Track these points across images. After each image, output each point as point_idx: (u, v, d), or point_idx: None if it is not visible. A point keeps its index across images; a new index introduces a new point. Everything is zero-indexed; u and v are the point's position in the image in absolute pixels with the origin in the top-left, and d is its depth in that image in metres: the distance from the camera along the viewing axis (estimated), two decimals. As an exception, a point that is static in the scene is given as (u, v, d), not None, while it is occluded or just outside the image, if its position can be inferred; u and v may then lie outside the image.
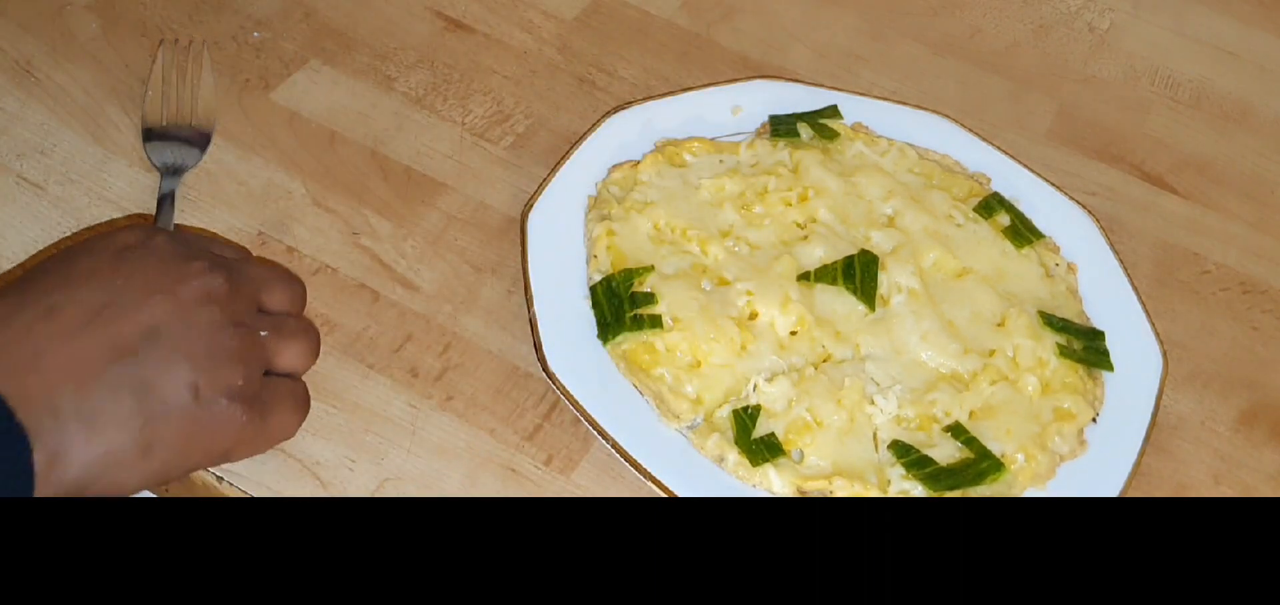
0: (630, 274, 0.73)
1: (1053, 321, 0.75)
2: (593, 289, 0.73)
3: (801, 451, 0.68)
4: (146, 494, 0.60)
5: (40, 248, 0.72)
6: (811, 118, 0.83)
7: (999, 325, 0.75)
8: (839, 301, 0.74)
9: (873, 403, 0.70)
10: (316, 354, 0.66)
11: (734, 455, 0.67)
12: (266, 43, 0.86)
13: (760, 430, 0.68)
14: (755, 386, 0.70)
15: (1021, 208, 0.81)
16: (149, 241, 0.62)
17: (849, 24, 0.97)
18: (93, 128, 0.79)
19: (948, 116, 0.87)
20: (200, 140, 0.79)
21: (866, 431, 0.69)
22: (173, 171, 0.76)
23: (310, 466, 0.66)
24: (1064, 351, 0.74)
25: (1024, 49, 0.99)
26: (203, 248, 0.64)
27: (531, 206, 0.76)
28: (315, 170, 0.79)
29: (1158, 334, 0.76)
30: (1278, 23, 1.04)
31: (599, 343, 0.71)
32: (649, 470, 0.66)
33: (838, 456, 0.68)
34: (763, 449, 0.67)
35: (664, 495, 0.65)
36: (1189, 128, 0.94)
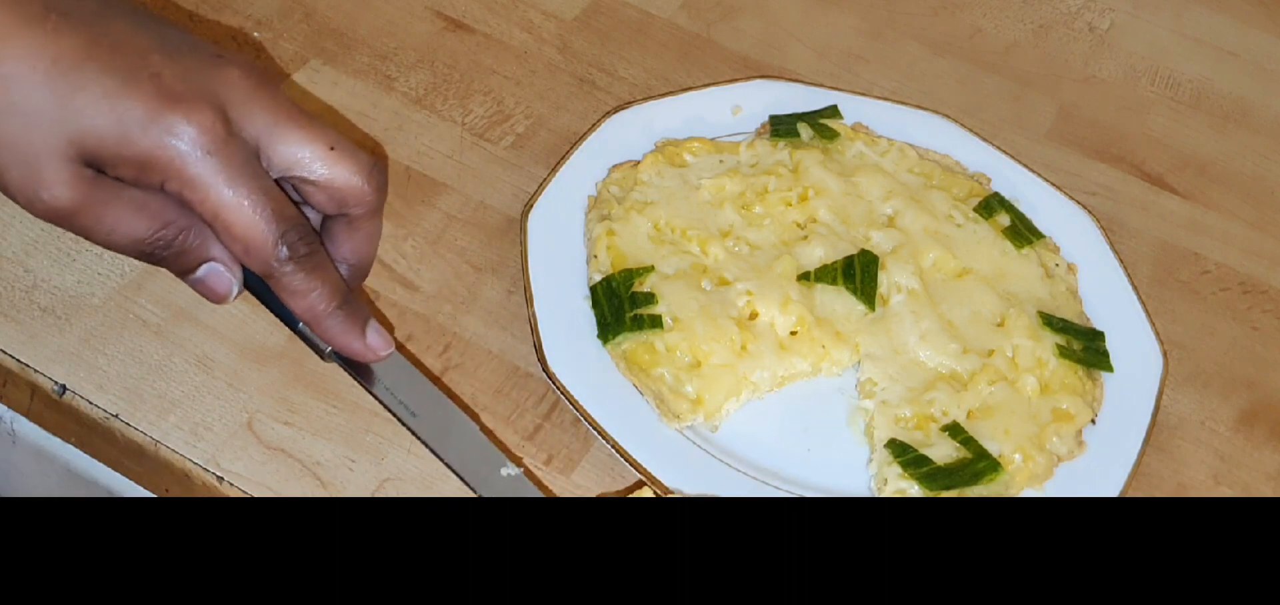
0: (630, 274, 0.73)
1: (1052, 322, 0.75)
2: (593, 289, 0.73)
3: None
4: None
5: (40, 248, 0.72)
6: (811, 118, 0.83)
7: (998, 325, 0.75)
8: (839, 301, 0.74)
9: None
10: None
11: None
12: (266, 43, 0.86)
13: None
14: None
15: (1021, 208, 0.81)
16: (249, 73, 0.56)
17: (849, 24, 0.97)
18: (93, 128, 0.79)
19: (948, 116, 0.87)
20: None
21: None
22: None
23: (310, 466, 0.66)
24: (1063, 352, 0.74)
25: (1024, 49, 0.99)
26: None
27: (531, 206, 0.76)
28: (315, 170, 0.79)
29: (1158, 334, 0.76)
30: (1277, 22, 1.04)
31: (599, 343, 0.71)
32: (649, 470, 0.66)
33: None
34: None
35: (664, 495, 0.65)
36: (1189, 128, 0.94)
